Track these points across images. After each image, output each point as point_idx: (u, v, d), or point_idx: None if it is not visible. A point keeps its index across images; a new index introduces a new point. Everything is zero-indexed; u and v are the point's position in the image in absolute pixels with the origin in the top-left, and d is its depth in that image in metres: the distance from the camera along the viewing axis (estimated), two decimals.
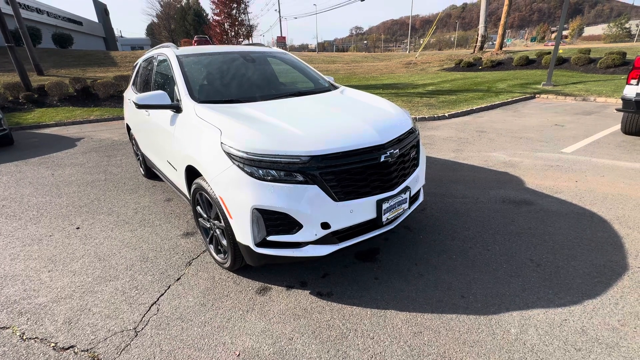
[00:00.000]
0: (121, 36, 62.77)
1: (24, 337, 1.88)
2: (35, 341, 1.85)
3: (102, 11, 39.75)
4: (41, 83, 11.31)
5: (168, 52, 3.15)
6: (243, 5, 30.39)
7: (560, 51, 15.92)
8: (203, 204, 2.38)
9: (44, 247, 2.83)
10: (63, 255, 2.70)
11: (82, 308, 2.09)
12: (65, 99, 10.86)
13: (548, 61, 14.54)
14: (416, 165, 2.46)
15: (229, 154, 1.96)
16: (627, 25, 52.55)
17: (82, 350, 1.78)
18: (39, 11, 27.47)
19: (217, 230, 2.34)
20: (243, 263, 2.24)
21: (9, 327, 1.95)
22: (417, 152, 2.50)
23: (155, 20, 67.69)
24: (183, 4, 62.14)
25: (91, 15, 39.68)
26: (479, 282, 2.20)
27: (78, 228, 3.15)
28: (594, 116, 7.08)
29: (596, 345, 1.71)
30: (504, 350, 1.70)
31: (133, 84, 4.18)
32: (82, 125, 8.65)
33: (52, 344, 1.83)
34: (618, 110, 5.39)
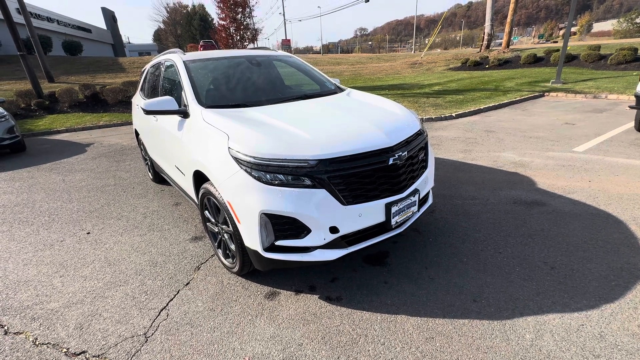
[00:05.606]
0: (129, 42, 63.72)
1: (37, 343, 1.90)
2: (48, 346, 1.87)
3: (110, 18, 40.44)
4: (52, 90, 11.55)
5: (175, 58, 3.17)
6: (248, 10, 30.62)
7: (568, 48, 15.65)
8: (211, 209, 2.38)
9: (55, 252, 2.87)
10: (74, 260, 2.73)
11: (93, 313, 2.11)
12: (75, 105, 11.06)
13: (557, 58, 14.33)
14: (425, 167, 2.43)
15: (236, 159, 1.96)
16: (637, 20, 51.33)
17: (93, 356, 1.79)
18: (49, 20, 28.09)
19: (225, 235, 2.34)
20: (251, 268, 2.23)
21: (22, 333, 1.98)
22: (426, 154, 2.47)
23: (162, 26, 68.66)
24: (189, 10, 62.97)
25: (100, 22, 40.39)
26: (491, 285, 2.16)
27: (88, 233, 3.18)
28: (606, 114, 6.94)
29: (615, 352, 1.65)
30: (519, 357, 1.66)
31: (141, 89, 4.22)
32: (92, 130, 8.79)
33: (64, 350, 1.84)
34: (631, 107, 5.27)
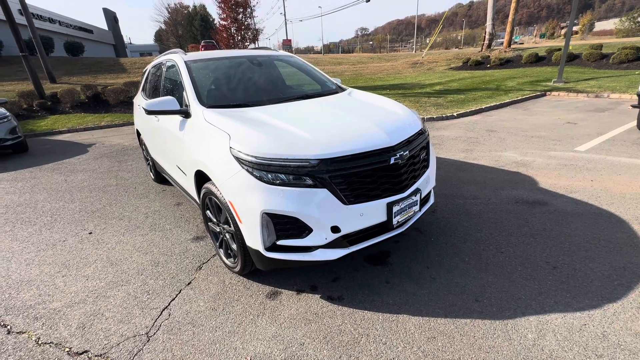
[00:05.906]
0: (130, 43, 63.82)
1: (39, 342, 1.91)
2: (50, 346, 1.88)
3: (112, 19, 40.56)
4: (54, 91, 11.58)
5: (176, 58, 3.18)
6: (249, 10, 30.68)
7: (570, 47, 15.59)
8: (212, 209, 2.39)
9: (57, 252, 2.88)
10: (76, 260, 2.74)
11: (95, 313, 2.12)
12: (77, 105, 11.10)
13: (558, 58, 14.28)
14: (426, 166, 2.43)
15: (238, 159, 1.96)
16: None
17: (95, 355, 1.80)
18: (51, 21, 28.19)
19: (226, 235, 2.34)
20: (253, 267, 2.23)
21: (24, 332, 1.99)
22: (427, 154, 2.47)
23: (163, 26, 68.89)
24: (190, 10, 63.11)
25: (101, 23, 40.48)
26: (493, 285, 2.15)
27: (90, 233, 3.19)
28: (608, 113, 6.91)
29: (618, 352, 1.65)
30: (521, 357, 1.65)
31: (142, 90, 4.23)
32: (94, 131, 8.82)
33: (67, 349, 1.85)
34: (633, 106, 5.26)
